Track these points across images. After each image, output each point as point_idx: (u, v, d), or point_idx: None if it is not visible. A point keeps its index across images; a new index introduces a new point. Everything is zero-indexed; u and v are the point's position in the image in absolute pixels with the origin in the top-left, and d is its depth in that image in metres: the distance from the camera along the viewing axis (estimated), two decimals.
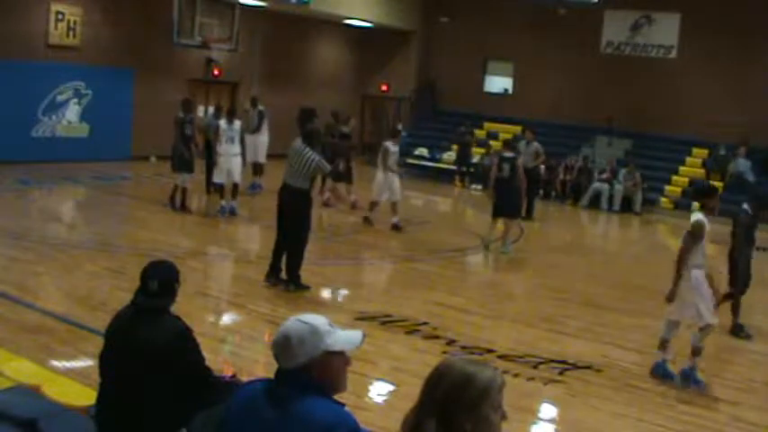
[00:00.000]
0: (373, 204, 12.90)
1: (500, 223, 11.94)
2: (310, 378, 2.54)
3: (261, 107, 15.43)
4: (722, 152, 18.45)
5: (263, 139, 15.23)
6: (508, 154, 12.05)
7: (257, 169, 15.08)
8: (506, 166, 11.75)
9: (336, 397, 2.60)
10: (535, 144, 15.44)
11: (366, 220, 12.82)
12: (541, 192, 17.83)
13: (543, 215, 16.12)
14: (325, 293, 9.03)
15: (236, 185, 12.71)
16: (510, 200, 11.80)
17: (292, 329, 2.56)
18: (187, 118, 12.52)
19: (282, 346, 2.55)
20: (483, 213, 16.22)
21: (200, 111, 18.63)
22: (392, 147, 12.73)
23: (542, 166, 16.49)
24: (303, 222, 8.36)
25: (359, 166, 16.12)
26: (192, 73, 18.94)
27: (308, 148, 8.31)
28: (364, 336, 2.69)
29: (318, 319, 2.61)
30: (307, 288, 8.47)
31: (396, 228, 12.63)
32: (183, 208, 12.51)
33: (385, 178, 12.66)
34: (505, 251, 11.77)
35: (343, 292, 9.38)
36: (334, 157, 13.74)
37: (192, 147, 12.54)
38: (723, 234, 8.57)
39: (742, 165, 17.88)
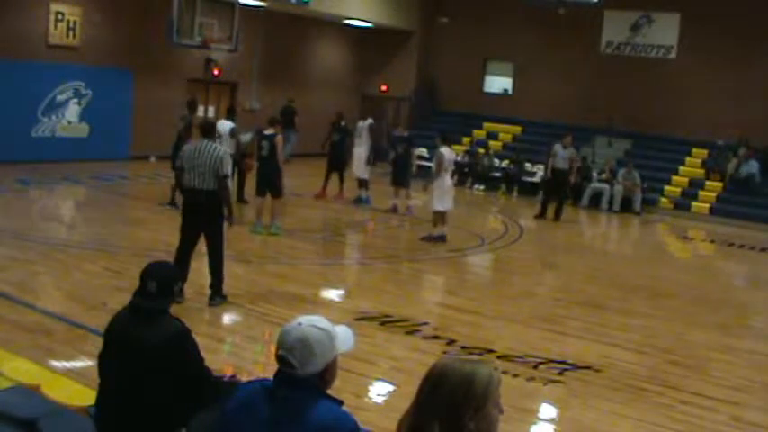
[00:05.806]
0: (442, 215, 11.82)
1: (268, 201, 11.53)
2: (319, 381, 2.55)
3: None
4: (720, 142, 18.44)
5: (359, 150, 15.16)
6: (268, 131, 11.43)
7: (362, 183, 15.08)
8: (266, 144, 11.33)
9: (336, 396, 2.60)
10: (571, 149, 15.49)
11: (436, 238, 11.75)
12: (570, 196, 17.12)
13: None
14: (325, 293, 9.03)
15: None
16: (269, 178, 11.40)
17: (312, 337, 2.52)
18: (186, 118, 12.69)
19: (302, 355, 2.51)
20: (484, 213, 16.26)
21: (207, 113, 18.69)
22: (447, 153, 11.70)
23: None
24: (220, 227, 7.76)
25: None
26: (191, 73, 18.92)
27: (210, 143, 7.60)
28: (353, 332, 2.71)
29: (328, 323, 2.60)
30: (225, 298, 7.80)
31: (442, 240, 11.73)
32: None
33: (444, 186, 11.65)
34: (275, 231, 11.35)
35: (343, 292, 9.38)
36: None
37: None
38: (722, 234, 8.55)
39: (754, 167, 17.81)
